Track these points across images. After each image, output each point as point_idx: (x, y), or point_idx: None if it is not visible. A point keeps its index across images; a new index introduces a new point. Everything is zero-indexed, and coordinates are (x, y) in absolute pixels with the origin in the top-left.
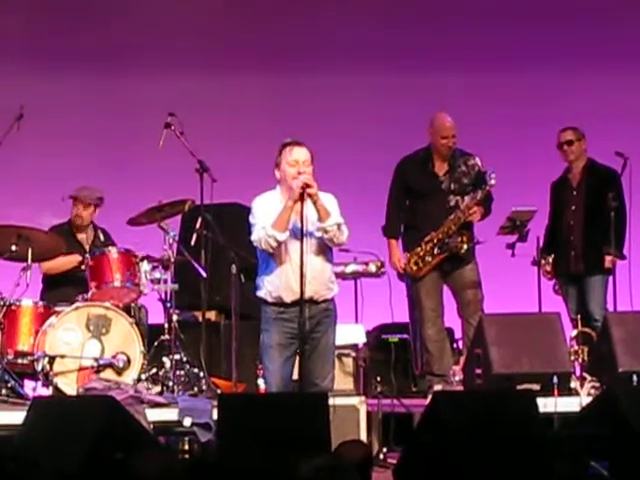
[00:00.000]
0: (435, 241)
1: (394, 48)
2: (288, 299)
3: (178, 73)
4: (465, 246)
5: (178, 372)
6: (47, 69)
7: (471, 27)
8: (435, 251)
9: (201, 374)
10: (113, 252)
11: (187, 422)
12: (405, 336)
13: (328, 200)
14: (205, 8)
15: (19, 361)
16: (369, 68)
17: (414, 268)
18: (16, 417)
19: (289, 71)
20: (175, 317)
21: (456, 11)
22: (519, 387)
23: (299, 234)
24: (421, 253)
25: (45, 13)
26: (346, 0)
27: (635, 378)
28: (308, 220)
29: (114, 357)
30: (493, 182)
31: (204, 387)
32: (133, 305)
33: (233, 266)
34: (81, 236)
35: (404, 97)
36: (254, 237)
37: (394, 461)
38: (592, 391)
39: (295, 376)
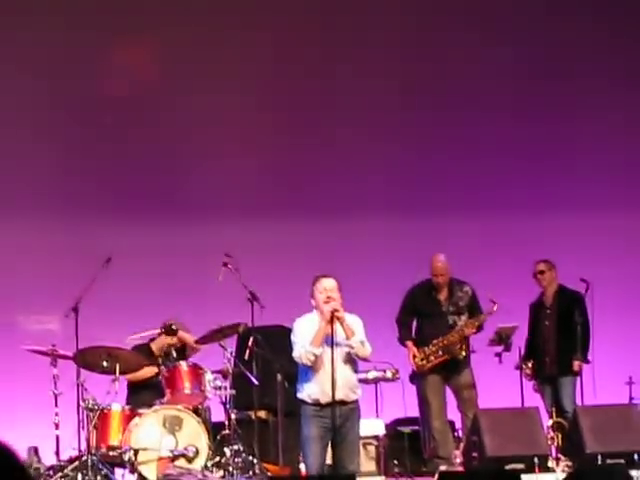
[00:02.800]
0: (440, 345)
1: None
2: (323, 400)
3: (231, 222)
4: (463, 353)
5: (236, 459)
6: (130, 217)
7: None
8: (439, 353)
9: (255, 461)
10: (184, 365)
11: None
12: (416, 427)
13: (354, 321)
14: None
15: (110, 453)
16: (390, 217)
17: (420, 363)
18: None
19: (324, 217)
20: (233, 416)
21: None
22: (507, 467)
23: (331, 348)
24: (427, 352)
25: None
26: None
27: (600, 458)
28: (337, 337)
29: (186, 449)
30: (495, 309)
31: (257, 471)
32: (200, 407)
33: (278, 375)
34: (158, 353)
35: (410, 240)
36: (295, 354)
37: None
38: (565, 469)
39: (329, 461)
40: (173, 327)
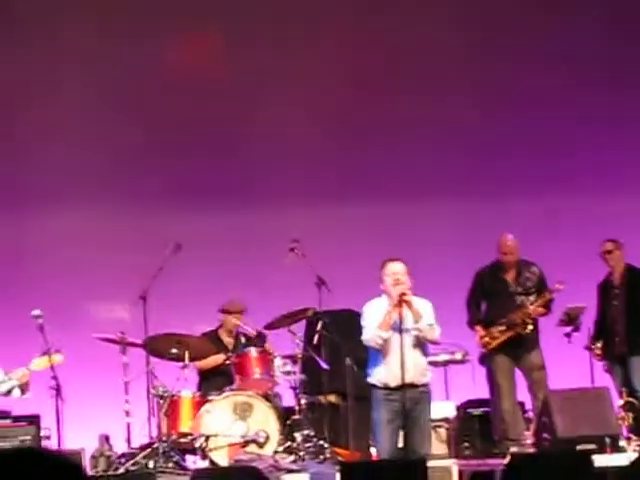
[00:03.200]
0: (505, 323)
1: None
2: (393, 384)
3: (297, 207)
4: (529, 328)
5: (307, 444)
6: (197, 205)
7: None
8: (504, 330)
9: (325, 445)
10: (253, 351)
11: None
12: (486, 409)
13: (423, 305)
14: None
15: (182, 440)
16: (456, 199)
17: (486, 341)
18: None
19: (392, 200)
20: (303, 401)
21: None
22: (579, 447)
23: (400, 332)
24: (493, 332)
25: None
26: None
27: None
28: (406, 321)
29: (256, 434)
30: (561, 287)
31: (328, 456)
32: (270, 392)
33: (348, 359)
34: (227, 339)
35: (477, 221)
36: (364, 337)
37: None
38: (637, 448)
39: (400, 445)
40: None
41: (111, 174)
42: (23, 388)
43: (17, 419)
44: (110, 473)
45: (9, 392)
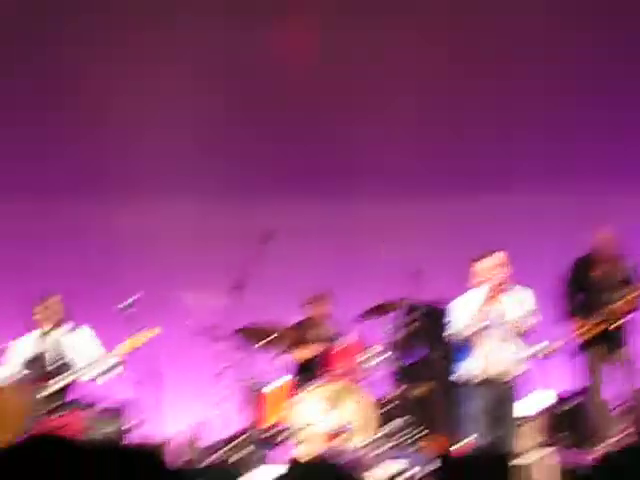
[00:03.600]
0: (600, 316)
1: None
2: (482, 377)
3: (393, 197)
4: (622, 321)
5: (399, 435)
6: (291, 195)
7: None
8: (599, 322)
9: (417, 436)
10: (345, 341)
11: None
12: (582, 400)
13: (523, 294)
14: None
15: (271, 431)
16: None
17: (581, 332)
18: (270, 476)
19: (484, 193)
20: (395, 391)
21: None
22: None
23: (493, 324)
24: (588, 324)
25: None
26: None
27: None
28: (498, 314)
29: (348, 424)
30: None
31: (420, 446)
32: (362, 382)
33: (440, 350)
34: (318, 330)
35: (573, 212)
36: (453, 330)
37: None
38: None
39: (489, 438)
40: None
41: (208, 162)
42: (116, 367)
43: (106, 409)
44: (199, 464)
45: (104, 373)
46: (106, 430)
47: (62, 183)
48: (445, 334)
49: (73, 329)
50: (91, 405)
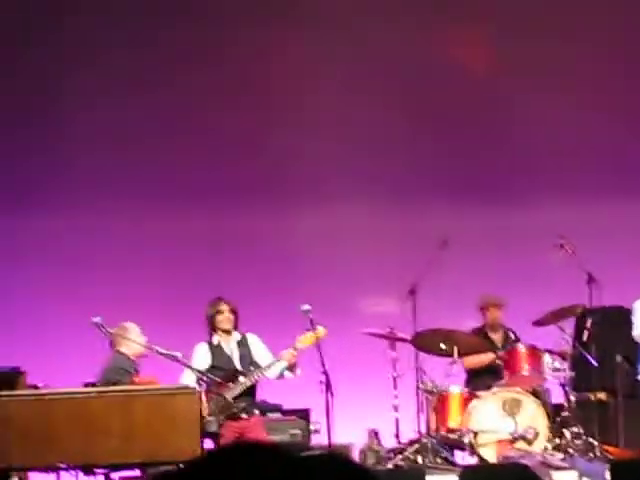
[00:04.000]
0: None
1: None
2: None
3: (564, 202)
4: None
5: (576, 441)
6: (464, 200)
7: None
8: None
9: (594, 443)
10: (521, 347)
11: None
12: None
13: None
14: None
15: (450, 436)
16: None
17: None
18: None
19: None
20: (572, 398)
21: None
22: None
23: None
24: None
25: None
26: None
27: None
28: None
29: (525, 430)
30: None
31: (597, 453)
32: (539, 389)
33: (618, 356)
34: (495, 336)
35: None
36: (635, 332)
37: None
38: None
39: None
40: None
41: (380, 169)
42: (292, 368)
43: (287, 413)
44: (379, 468)
45: (281, 375)
46: (290, 433)
47: (238, 190)
48: (629, 337)
49: (244, 334)
50: (274, 408)
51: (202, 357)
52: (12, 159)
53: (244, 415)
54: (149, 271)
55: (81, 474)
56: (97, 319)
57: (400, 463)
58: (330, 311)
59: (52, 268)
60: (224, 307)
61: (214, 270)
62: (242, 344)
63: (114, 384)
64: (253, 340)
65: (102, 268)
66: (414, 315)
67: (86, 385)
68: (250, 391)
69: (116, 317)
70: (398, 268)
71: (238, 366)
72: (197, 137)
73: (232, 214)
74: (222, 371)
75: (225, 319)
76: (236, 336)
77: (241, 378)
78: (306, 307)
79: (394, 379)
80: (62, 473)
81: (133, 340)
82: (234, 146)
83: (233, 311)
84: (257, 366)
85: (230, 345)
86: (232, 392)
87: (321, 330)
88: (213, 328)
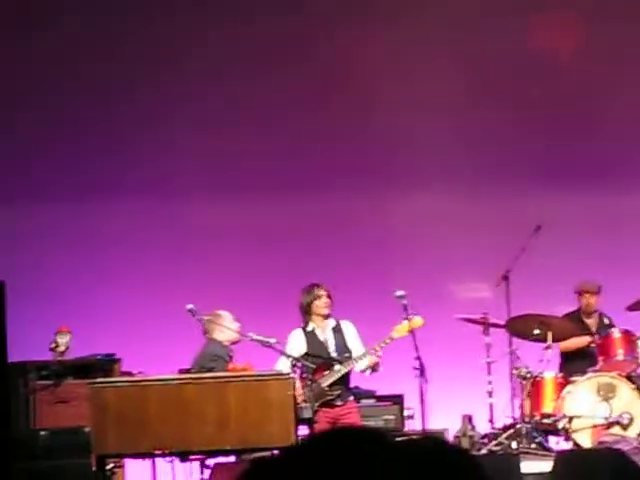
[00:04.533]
0: None
1: None
2: None
3: None
4: None
5: None
6: (558, 184)
7: None
8: None
9: None
10: (616, 332)
11: None
12: None
13: None
14: None
15: (544, 421)
16: None
17: None
18: (544, 467)
19: None
20: None
21: None
22: None
23: None
24: None
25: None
26: None
27: None
28: None
29: (620, 416)
30: None
31: None
32: (634, 374)
33: None
34: (589, 321)
35: None
36: None
37: None
38: None
39: None
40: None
41: (475, 151)
42: (375, 367)
43: (381, 398)
44: (473, 453)
45: (364, 370)
46: (384, 419)
47: (334, 173)
48: None
49: (339, 321)
50: (368, 394)
51: (297, 344)
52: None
53: (339, 402)
54: (241, 257)
55: (177, 460)
56: (191, 306)
57: (494, 448)
58: (424, 296)
59: (144, 257)
60: (322, 292)
61: (307, 254)
62: (337, 331)
63: (208, 371)
64: (348, 328)
65: (193, 258)
66: (508, 300)
67: (180, 372)
68: (344, 378)
69: (208, 304)
70: (492, 253)
71: (333, 353)
72: (295, 119)
73: (328, 198)
74: (317, 358)
75: (324, 304)
76: (331, 323)
77: (336, 366)
78: (400, 293)
79: (488, 364)
80: (157, 459)
81: (227, 327)
82: (330, 128)
83: (330, 296)
84: (350, 354)
85: (325, 332)
86: (327, 379)
87: (418, 320)
88: (309, 314)
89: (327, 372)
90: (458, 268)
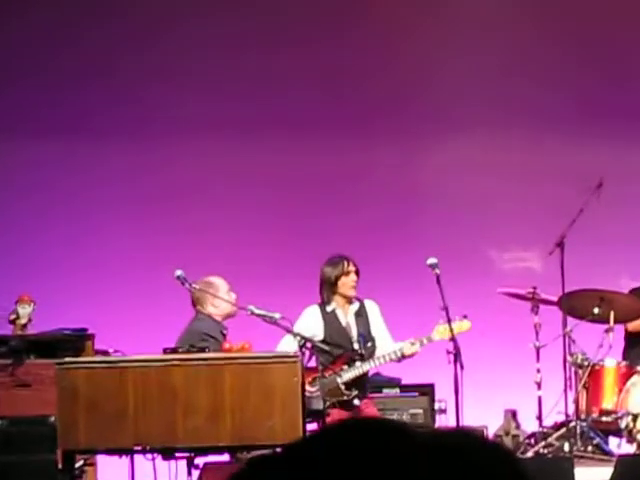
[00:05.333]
0: None
1: None
2: None
3: None
4: None
5: None
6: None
7: None
8: None
9: None
10: None
11: None
12: None
13: None
14: None
15: (603, 419)
16: None
17: None
18: (602, 473)
19: None
20: None
21: None
22: None
23: None
24: None
25: None
26: None
27: None
28: None
29: None
30: None
31: None
32: None
33: None
34: None
35: None
36: None
37: None
38: None
39: None
40: None
41: (525, 91)
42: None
43: (407, 388)
44: (521, 455)
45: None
46: (411, 413)
47: (360, 121)
48: None
49: (362, 302)
50: (391, 382)
51: (312, 324)
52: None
53: (356, 402)
54: (247, 214)
55: (159, 458)
56: (180, 272)
57: (543, 451)
58: (461, 266)
59: (120, 211)
60: (352, 268)
61: (322, 213)
62: (360, 315)
63: (198, 351)
64: (372, 310)
65: (179, 213)
66: (562, 272)
67: (165, 352)
68: (364, 375)
69: (200, 270)
70: (544, 214)
71: (355, 344)
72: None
73: (346, 145)
74: (335, 348)
75: (352, 283)
76: (354, 305)
77: (357, 362)
78: (433, 260)
79: (537, 350)
80: (137, 457)
81: (221, 298)
82: (352, 62)
83: (358, 273)
84: (373, 345)
85: (348, 316)
86: (344, 375)
87: (466, 324)
88: (332, 292)
89: (345, 366)
90: (501, 232)
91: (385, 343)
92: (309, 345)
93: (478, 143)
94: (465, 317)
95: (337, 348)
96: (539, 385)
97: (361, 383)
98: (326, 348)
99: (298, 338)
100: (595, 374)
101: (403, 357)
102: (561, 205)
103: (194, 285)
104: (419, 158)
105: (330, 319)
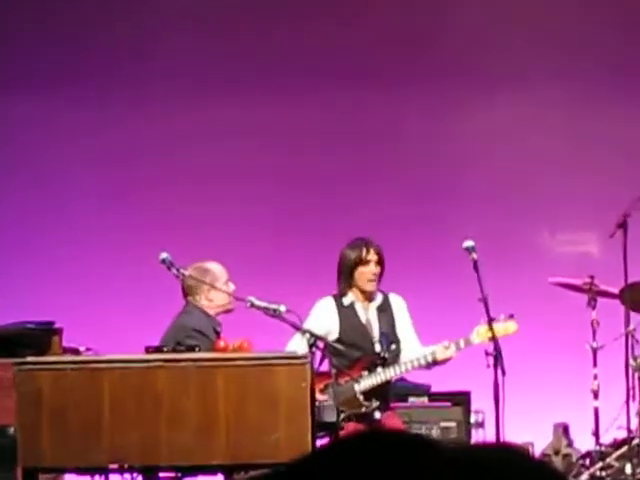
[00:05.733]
0: None
1: None
2: None
3: None
4: None
5: None
6: None
7: None
8: None
9: None
10: None
11: None
12: None
13: None
14: None
15: None
16: None
17: None
18: None
19: None
20: None
21: None
22: None
23: None
24: None
25: None
26: None
27: None
28: None
29: None
30: None
31: None
32: None
33: None
34: None
35: None
36: None
37: None
38: None
39: None
40: None
41: (583, 49)
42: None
43: (438, 397)
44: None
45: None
46: (442, 426)
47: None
48: None
49: (386, 295)
50: (419, 390)
51: (325, 320)
52: None
53: (377, 415)
54: (235, 188)
55: (139, 479)
56: (165, 255)
57: (600, 473)
58: (503, 250)
59: (96, 186)
60: (372, 256)
61: (341, 188)
62: (383, 310)
63: (187, 350)
64: (399, 306)
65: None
66: (625, 259)
67: (148, 351)
68: (386, 384)
69: (189, 254)
70: (603, 190)
71: (376, 345)
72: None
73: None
74: (353, 349)
75: (369, 276)
76: (377, 298)
77: (379, 368)
78: (470, 243)
79: (594, 351)
80: (112, 477)
81: (218, 289)
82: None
83: (381, 262)
84: (398, 348)
85: (368, 312)
86: (363, 383)
87: (511, 326)
88: (349, 283)
89: (365, 372)
90: (553, 212)
91: (412, 346)
92: (321, 345)
93: (525, 100)
94: (512, 317)
95: (355, 349)
96: (596, 394)
97: (383, 393)
98: (341, 349)
99: (307, 336)
100: None
101: (435, 363)
102: (625, 178)
103: (183, 271)
104: (455, 126)
105: (347, 314)
